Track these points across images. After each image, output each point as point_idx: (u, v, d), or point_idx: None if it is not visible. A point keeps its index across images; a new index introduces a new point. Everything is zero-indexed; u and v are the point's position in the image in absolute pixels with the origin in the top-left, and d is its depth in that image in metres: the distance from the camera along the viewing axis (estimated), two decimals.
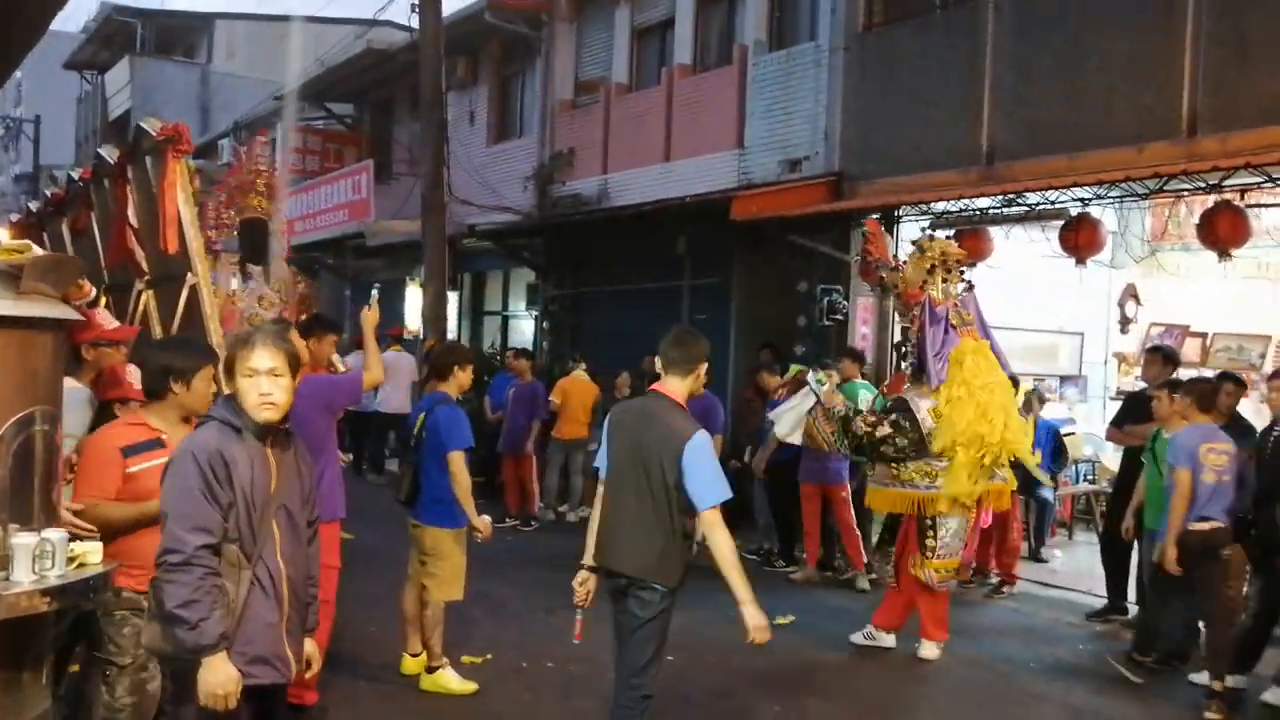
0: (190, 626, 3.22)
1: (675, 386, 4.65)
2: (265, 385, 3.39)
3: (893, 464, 7.10)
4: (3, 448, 3.29)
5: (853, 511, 9.32)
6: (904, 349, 7.52)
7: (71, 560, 3.43)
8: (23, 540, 3.28)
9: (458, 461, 6.12)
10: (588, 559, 4.73)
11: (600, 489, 4.74)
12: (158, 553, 3.28)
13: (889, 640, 7.43)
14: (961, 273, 7.42)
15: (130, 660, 3.93)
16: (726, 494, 4.49)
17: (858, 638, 7.49)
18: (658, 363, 4.75)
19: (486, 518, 6.24)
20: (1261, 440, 6.69)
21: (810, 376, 7.87)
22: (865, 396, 9.18)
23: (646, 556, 4.49)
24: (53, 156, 39.29)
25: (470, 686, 6.21)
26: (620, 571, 4.55)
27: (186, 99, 30.27)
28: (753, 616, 4.45)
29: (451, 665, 6.30)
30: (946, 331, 7.12)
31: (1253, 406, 8.06)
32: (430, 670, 6.22)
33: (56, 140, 39.02)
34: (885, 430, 7.01)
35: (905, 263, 7.40)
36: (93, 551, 3.54)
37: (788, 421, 8.27)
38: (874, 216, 11.09)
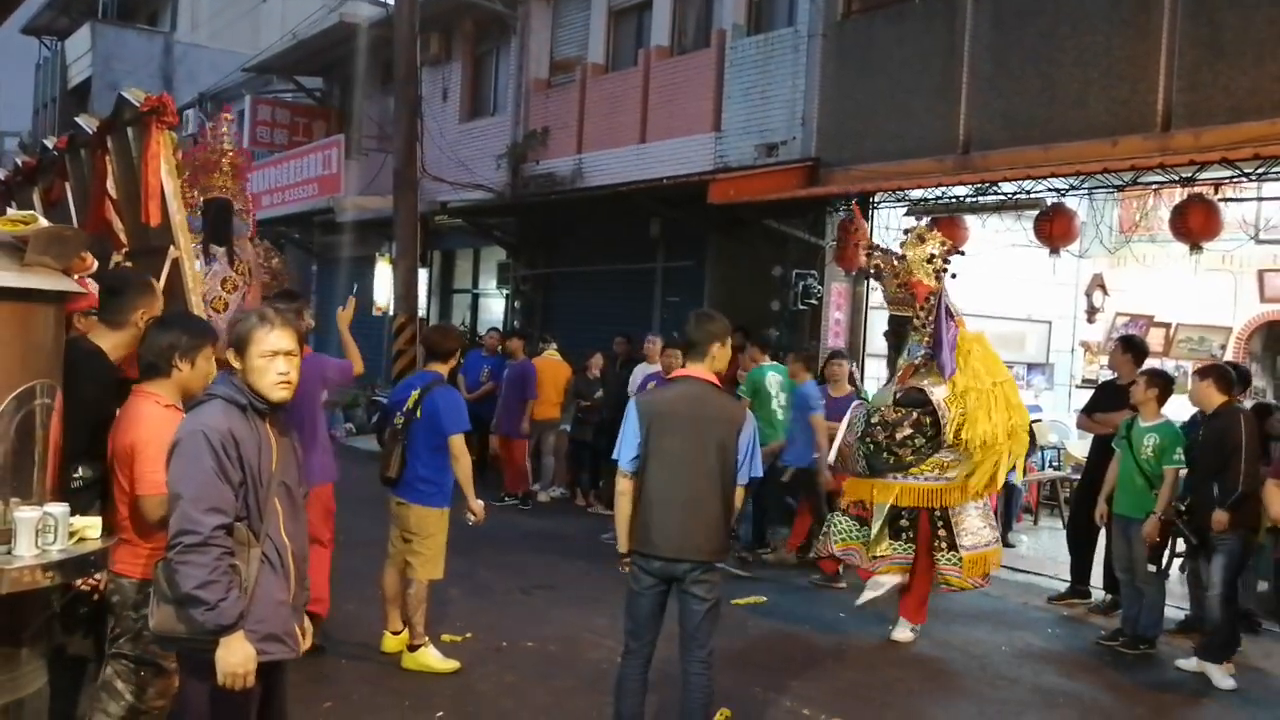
0: (210, 607, 3.21)
1: (701, 368, 4.72)
2: (283, 365, 3.41)
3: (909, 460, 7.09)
4: (4, 422, 3.26)
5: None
6: (900, 337, 7.47)
7: (72, 535, 3.41)
8: (25, 514, 3.26)
9: (459, 444, 6.15)
10: (625, 545, 4.75)
11: (630, 479, 4.70)
12: (171, 534, 3.24)
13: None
14: (947, 262, 7.49)
15: (175, 664, 3.83)
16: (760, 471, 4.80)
17: (903, 634, 7.42)
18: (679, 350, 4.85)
19: (481, 501, 6.25)
20: (1193, 429, 7.08)
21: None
22: (774, 378, 9.55)
23: (715, 539, 4.61)
24: (9, 123, 38.63)
25: (452, 664, 6.23)
26: (686, 557, 4.58)
27: (149, 69, 29.80)
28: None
29: (432, 643, 6.32)
30: (950, 319, 7.17)
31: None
32: (412, 649, 6.22)
33: (13, 107, 38.36)
34: (906, 431, 6.97)
35: (903, 250, 7.40)
36: (92, 526, 3.52)
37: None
38: (852, 201, 11.18)
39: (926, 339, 7.11)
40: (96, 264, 3.71)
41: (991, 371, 7.07)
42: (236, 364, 3.42)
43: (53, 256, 3.34)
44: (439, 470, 6.16)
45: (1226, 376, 7.06)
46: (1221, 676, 6.70)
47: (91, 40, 30.66)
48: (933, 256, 7.19)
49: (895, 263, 7.34)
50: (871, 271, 7.74)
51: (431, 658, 6.21)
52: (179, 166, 9.80)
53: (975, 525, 7.14)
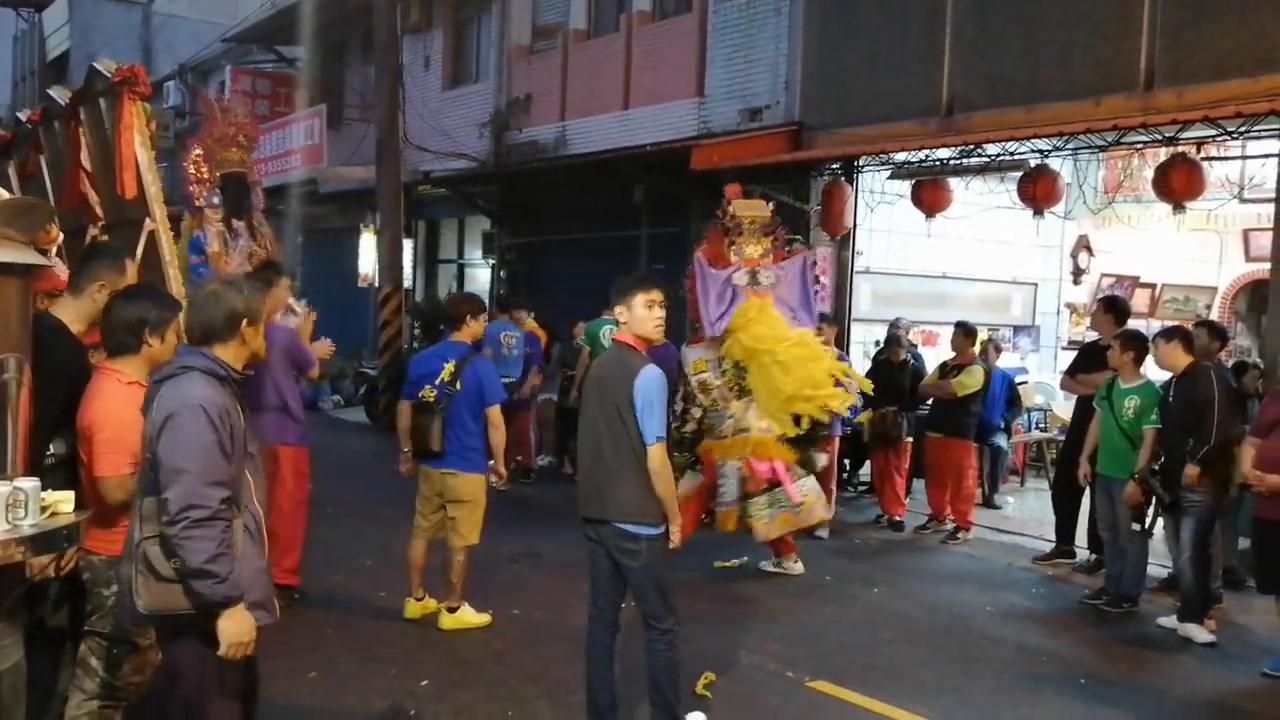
0: (219, 579, 3.21)
1: (623, 332, 4.69)
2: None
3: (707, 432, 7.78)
4: None
5: (835, 466, 9.50)
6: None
7: (44, 509, 3.38)
8: None
9: (498, 414, 6.33)
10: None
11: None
12: (175, 509, 3.20)
13: (799, 567, 8.03)
14: (772, 234, 8.07)
15: (150, 641, 3.82)
16: (664, 432, 4.52)
17: (766, 565, 8.06)
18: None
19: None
20: (1164, 392, 7.08)
21: None
22: (609, 329, 10.06)
23: (626, 501, 4.53)
24: None
25: (485, 618, 6.51)
26: (600, 517, 4.60)
27: (128, 40, 29.51)
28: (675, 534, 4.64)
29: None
30: (730, 290, 7.85)
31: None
32: (452, 610, 6.42)
33: None
34: (695, 415, 7.79)
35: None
36: (65, 501, 3.49)
37: None
38: (834, 166, 11.14)
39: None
40: (62, 236, 3.66)
41: (768, 336, 7.67)
42: (248, 335, 3.48)
43: (17, 229, 3.29)
44: (480, 437, 6.33)
45: (1189, 337, 7.09)
46: (1200, 633, 6.76)
47: (69, 12, 30.39)
48: (727, 230, 8.07)
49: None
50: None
51: (470, 615, 6.45)
52: (190, 144, 9.83)
53: (809, 486, 7.64)
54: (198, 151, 9.32)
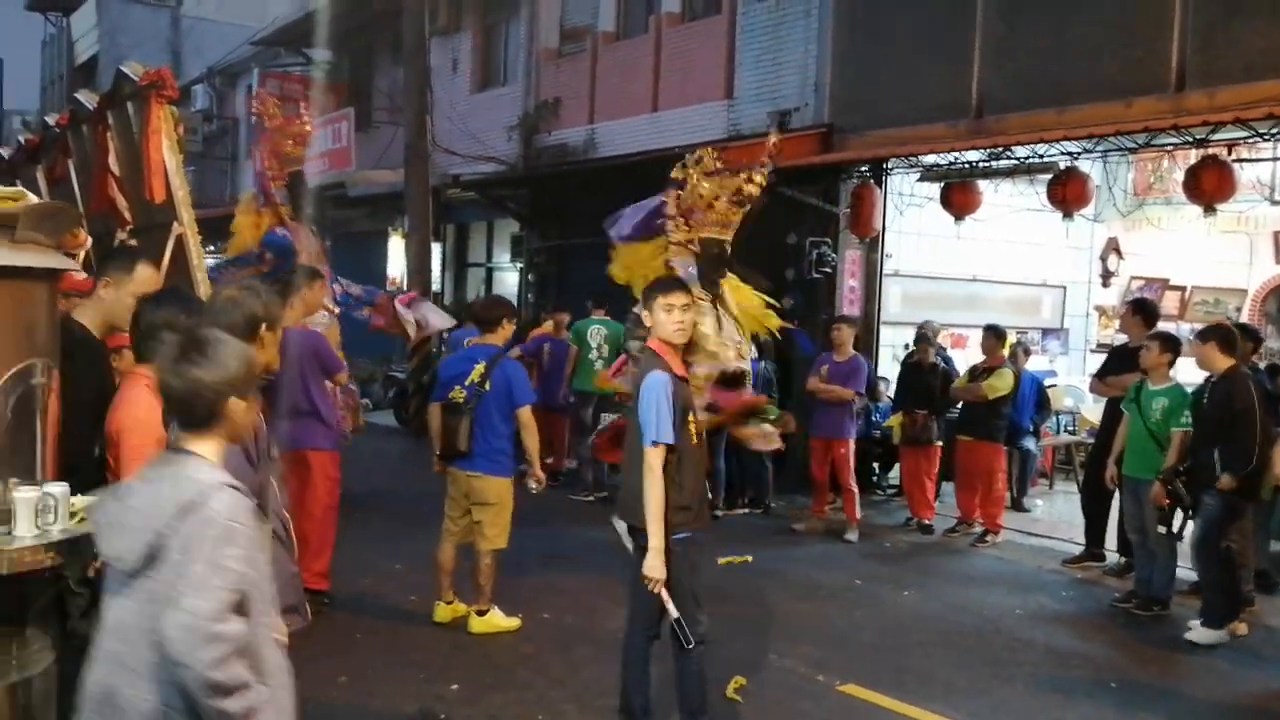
0: None
1: (651, 338, 4.68)
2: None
3: None
4: (1, 401, 3.25)
5: (852, 467, 9.47)
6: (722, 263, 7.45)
7: (73, 515, 3.39)
8: (24, 494, 3.24)
9: (529, 414, 6.33)
10: None
11: None
12: None
13: None
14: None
15: None
16: (665, 437, 4.41)
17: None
18: None
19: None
20: (1200, 392, 6.95)
21: None
22: (598, 331, 11.00)
23: (633, 502, 4.55)
24: (17, 101, 38.56)
25: (515, 622, 6.51)
26: (624, 519, 4.67)
27: (156, 43, 29.68)
28: (651, 567, 4.41)
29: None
30: None
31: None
32: (481, 613, 6.42)
33: (21, 84, 38.31)
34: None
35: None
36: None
37: None
38: (863, 168, 11.08)
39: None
40: (90, 241, 3.67)
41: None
42: (267, 340, 3.47)
43: (44, 233, 3.31)
44: (509, 440, 6.33)
45: (1230, 338, 6.86)
46: (1209, 635, 6.66)
47: (97, 15, 30.55)
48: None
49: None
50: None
51: (500, 619, 6.46)
52: (259, 143, 9.98)
53: None
54: (264, 149, 9.55)
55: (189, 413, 2.58)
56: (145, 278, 4.22)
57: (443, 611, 6.55)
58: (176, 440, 2.60)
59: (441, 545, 6.51)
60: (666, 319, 4.56)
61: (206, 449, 2.60)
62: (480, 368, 6.30)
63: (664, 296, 4.58)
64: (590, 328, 11.20)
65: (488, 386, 6.26)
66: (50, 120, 8.43)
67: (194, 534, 2.42)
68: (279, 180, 9.50)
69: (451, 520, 6.47)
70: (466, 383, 6.30)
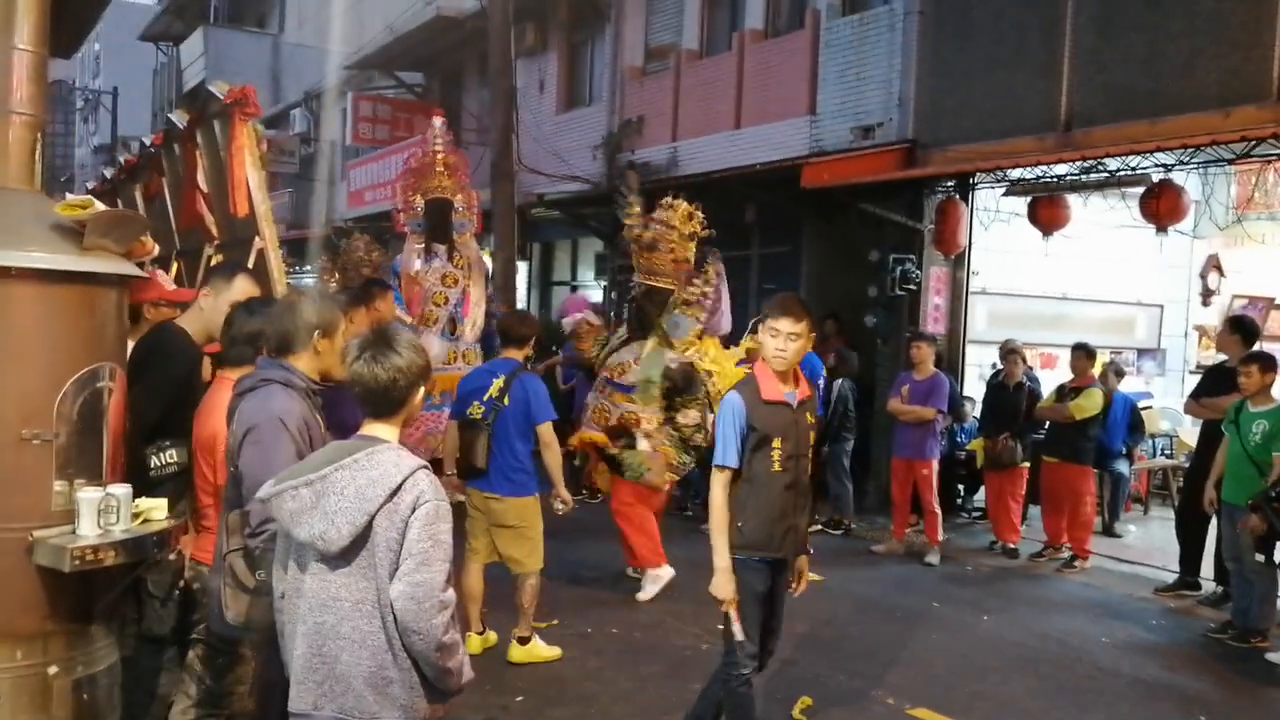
0: None
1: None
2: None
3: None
4: (67, 403, 3.32)
5: (935, 488, 9.26)
6: (660, 308, 8.14)
7: (136, 516, 3.46)
8: (88, 495, 3.32)
9: (550, 432, 6.08)
10: None
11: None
12: (257, 523, 3.23)
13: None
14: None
15: (250, 650, 3.85)
16: (725, 461, 4.33)
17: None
18: None
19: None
20: None
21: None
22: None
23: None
24: (131, 128, 39.86)
25: (556, 651, 6.21)
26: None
27: (258, 68, 30.51)
28: (716, 585, 4.37)
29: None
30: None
31: None
32: (523, 641, 6.16)
33: (134, 111, 39.58)
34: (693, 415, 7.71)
35: (666, 222, 8.14)
36: (158, 508, 3.57)
37: None
38: (947, 184, 10.90)
39: (702, 313, 7.95)
40: (157, 248, 3.76)
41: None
42: (322, 348, 3.51)
43: (113, 240, 3.39)
44: (529, 458, 6.07)
45: None
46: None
47: (204, 44, 31.57)
48: (694, 234, 8.04)
49: (671, 236, 8.09)
50: (645, 244, 8.27)
51: (541, 648, 6.18)
52: (399, 176, 10.70)
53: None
54: (406, 181, 10.14)
55: (384, 401, 2.89)
56: (243, 289, 4.35)
57: (474, 643, 6.12)
58: (365, 429, 2.89)
59: (467, 567, 6.08)
60: (769, 342, 4.44)
61: (392, 435, 2.90)
62: (499, 382, 6.06)
63: (772, 320, 4.46)
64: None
65: (506, 401, 6.03)
66: (146, 140, 8.70)
67: (412, 514, 2.72)
68: (408, 210, 10.22)
69: (473, 538, 6.13)
70: (485, 398, 6.07)
